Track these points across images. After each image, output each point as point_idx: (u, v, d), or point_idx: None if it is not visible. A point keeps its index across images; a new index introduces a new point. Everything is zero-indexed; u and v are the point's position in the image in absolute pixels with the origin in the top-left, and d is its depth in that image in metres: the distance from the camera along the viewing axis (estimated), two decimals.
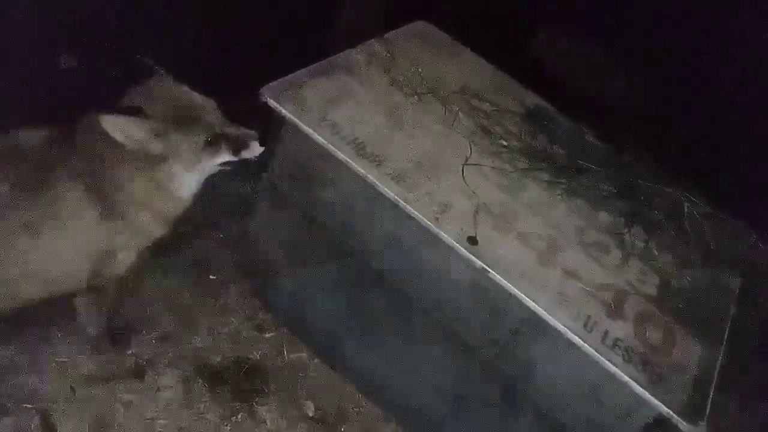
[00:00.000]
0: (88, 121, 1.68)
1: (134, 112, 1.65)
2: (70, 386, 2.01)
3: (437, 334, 1.97)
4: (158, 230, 1.87)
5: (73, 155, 1.69)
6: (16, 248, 1.63)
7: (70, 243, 1.71)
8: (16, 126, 1.72)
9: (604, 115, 2.42)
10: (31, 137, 1.70)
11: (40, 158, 1.66)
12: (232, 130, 1.78)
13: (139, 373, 2.10)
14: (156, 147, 1.68)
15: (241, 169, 1.96)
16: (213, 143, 1.75)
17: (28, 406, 1.94)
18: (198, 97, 1.77)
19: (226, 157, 1.79)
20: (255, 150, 1.81)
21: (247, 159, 1.83)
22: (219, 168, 1.84)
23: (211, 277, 2.43)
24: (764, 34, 2.28)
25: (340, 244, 2.03)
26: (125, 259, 1.85)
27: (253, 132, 1.80)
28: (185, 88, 1.77)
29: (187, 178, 1.79)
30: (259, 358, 2.26)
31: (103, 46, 2.26)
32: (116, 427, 1.97)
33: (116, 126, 1.61)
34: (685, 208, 2.14)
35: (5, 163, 1.63)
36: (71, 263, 1.75)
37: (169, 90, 1.75)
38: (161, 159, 1.71)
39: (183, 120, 1.71)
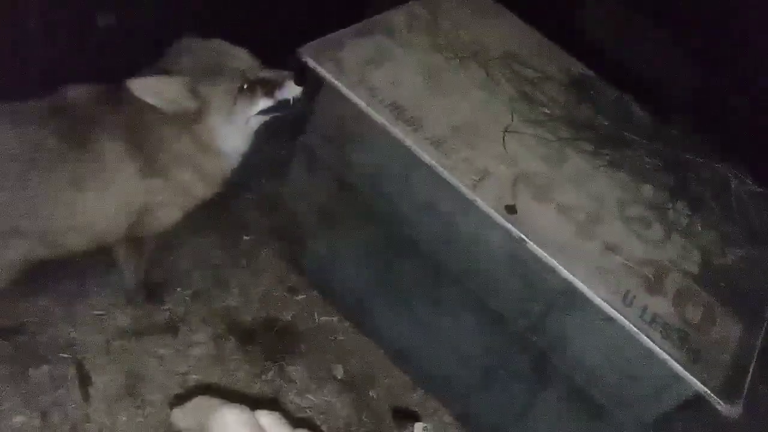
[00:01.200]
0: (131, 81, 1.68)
1: (160, 72, 1.65)
2: (105, 338, 2.05)
3: (469, 304, 1.95)
4: (201, 190, 1.86)
5: (116, 112, 1.69)
6: (63, 201, 1.65)
7: (112, 197, 1.72)
8: (58, 85, 1.73)
9: (652, 88, 2.34)
10: (78, 94, 1.71)
11: (85, 114, 1.67)
12: (266, 73, 1.75)
13: (172, 329, 2.13)
14: (191, 103, 1.67)
15: (277, 131, 1.96)
16: (248, 89, 1.73)
17: (64, 355, 1.98)
18: (228, 47, 1.75)
19: (263, 102, 1.77)
20: (291, 90, 1.77)
21: (288, 105, 1.78)
22: (263, 119, 1.82)
23: (244, 237, 2.43)
24: None
25: (375, 208, 2.02)
26: (166, 216, 1.86)
27: (287, 72, 1.77)
28: (215, 41, 1.75)
29: (228, 130, 1.77)
30: (289, 319, 2.27)
31: (140, 3, 2.25)
32: (149, 380, 2.00)
33: (146, 89, 1.61)
34: (732, 185, 2.07)
35: (54, 118, 1.64)
36: (113, 217, 1.76)
37: (198, 45, 1.74)
38: (198, 114, 1.70)
39: (213, 71, 1.69)
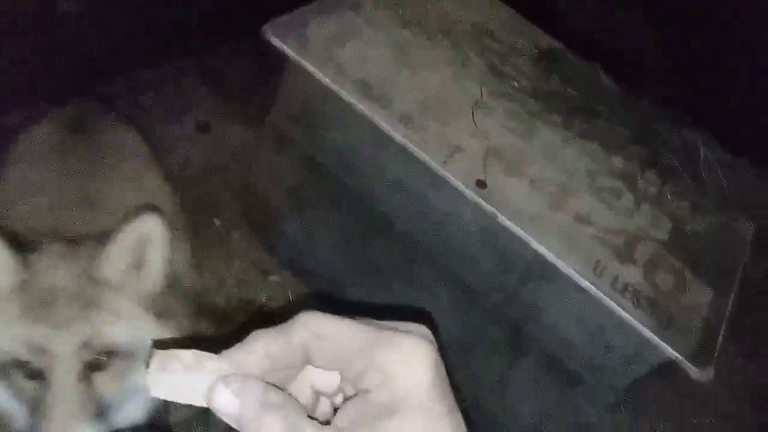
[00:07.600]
0: None
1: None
2: None
3: (444, 280, 1.94)
4: None
5: None
6: None
7: None
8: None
9: (621, 60, 2.34)
10: None
11: None
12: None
13: None
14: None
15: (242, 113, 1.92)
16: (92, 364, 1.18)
17: None
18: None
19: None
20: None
21: None
22: None
23: (215, 221, 2.40)
24: None
25: (345, 187, 1.99)
26: None
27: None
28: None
29: None
30: (264, 301, 2.26)
31: None
32: None
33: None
34: (701, 153, 2.08)
35: None
36: None
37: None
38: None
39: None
